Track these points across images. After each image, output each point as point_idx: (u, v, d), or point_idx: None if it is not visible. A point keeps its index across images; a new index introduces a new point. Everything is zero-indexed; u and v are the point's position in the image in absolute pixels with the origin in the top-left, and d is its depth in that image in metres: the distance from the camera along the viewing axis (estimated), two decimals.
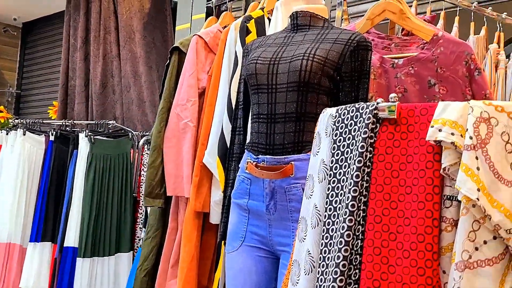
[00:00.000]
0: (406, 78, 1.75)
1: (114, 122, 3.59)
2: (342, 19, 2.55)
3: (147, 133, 3.55)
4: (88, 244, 3.15)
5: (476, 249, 1.07)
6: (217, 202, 1.97)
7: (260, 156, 1.63)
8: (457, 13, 2.32)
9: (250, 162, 1.65)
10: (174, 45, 2.15)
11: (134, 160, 3.50)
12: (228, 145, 1.88)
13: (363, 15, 1.85)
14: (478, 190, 1.06)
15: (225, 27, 2.19)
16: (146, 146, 3.44)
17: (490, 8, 2.31)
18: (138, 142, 3.55)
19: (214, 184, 1.99)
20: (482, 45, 2.19)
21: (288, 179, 1.57)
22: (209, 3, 4.39)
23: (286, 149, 1.60)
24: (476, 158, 1.08)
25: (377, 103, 1.22)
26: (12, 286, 3.27)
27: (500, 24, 2.28)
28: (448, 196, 1.14)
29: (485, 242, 1.07)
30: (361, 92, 1.66)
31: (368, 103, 1.24)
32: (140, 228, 3.41)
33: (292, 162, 1.58)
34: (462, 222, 1.08)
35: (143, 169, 3.37)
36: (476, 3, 2.30)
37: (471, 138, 1.09)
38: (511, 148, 1.09)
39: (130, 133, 3.56)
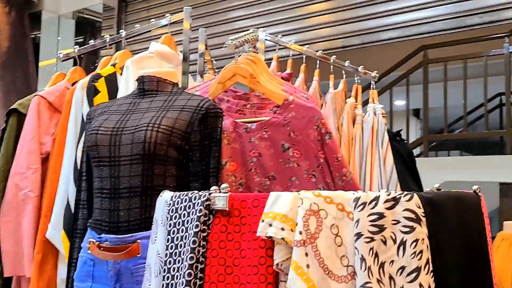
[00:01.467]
0: (260, 142, 1.71)
1: None
2: (206, 69, 2.50)
3: None
4: None
5: None
6: (64, 280, 1.78)
7: (103, 235, 1.50)
8: (304, 60, 2.36)
9: (92, 242, 1.51)
10: (11, 107, 1.94)
11: None
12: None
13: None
14: None
15: (74, 83, 2.02)
16: None
17: (334, 56, 2.37)
18: None
19: (60, 261, 1.81)
20: (341, 99, 2.24)
21: (135, 259, 1.45)
22: (79, 39, 4.19)
23: (132, 226, 1.48)
24: (306, 254, 1.03)
25: (209, 194, 1.14)
26: None
27: (358, 76, 2.35)
28: None
29: None
30: (213, 161, 1.59)
31: (200, 193, 1.16)
32: None
33: (139, 241, 1.46)
34: None
35: None
36: (321, 51, 2.36)
37: (300, 233, 1.04)
38: (340, 241, 1.06)
39: None
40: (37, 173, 1.86)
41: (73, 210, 1.74)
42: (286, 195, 1.08)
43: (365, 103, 2.33)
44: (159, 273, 1.19)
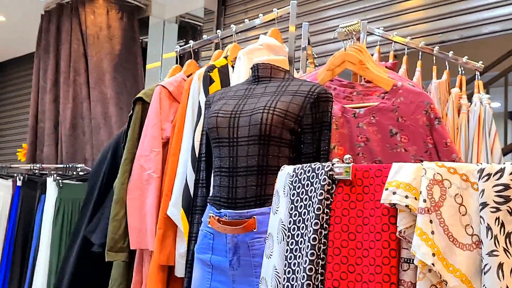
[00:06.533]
0: (368, 128, 1.75)
1: (83, 165, 3.53)
2: (307, 63, 2.58)
3: None
4: None
5: None
6: (182, 254, 1.92)
7: (222, 210, 1.61)
8: (406, 52, 2.36)
9: (212, 216, 1.63)
10: (137, 96, 2.14)
11: None
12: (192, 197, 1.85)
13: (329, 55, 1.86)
14: (433, 254, 1.04)
15: (189, 75, 2.18)
16: None
17: (437, 47, 2.35)
18: None
19: (179, 236, 1.95)
20: (445, 89, 2.22)
21: (251, 233, 1.55)
22: (180, 42, 4.44)
23: (248, 203, 1.58)
24: (431, 221, 1.07)
25: (332, 164, 1.21)
26: None
27: (462, 68, 2.32)
28: (405, 259, 1.13)
29: None
30: (323, 144, 1.65)
31: (323, 164, 1.23)
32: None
33: (255, 216, 1.56)
34: (419, 287, 1.07)
35: None
36: (423, 43, 2.35)
37: (424, 201, 1.08)
38: (465, 210, 1.09)
39: None
40: (159, 156, 2.03)
41: (191, 190, 1.87)
42: (409, 165, 1.13)
43: (468, 96, 2.31)
44: (283, 240, 1.28)
